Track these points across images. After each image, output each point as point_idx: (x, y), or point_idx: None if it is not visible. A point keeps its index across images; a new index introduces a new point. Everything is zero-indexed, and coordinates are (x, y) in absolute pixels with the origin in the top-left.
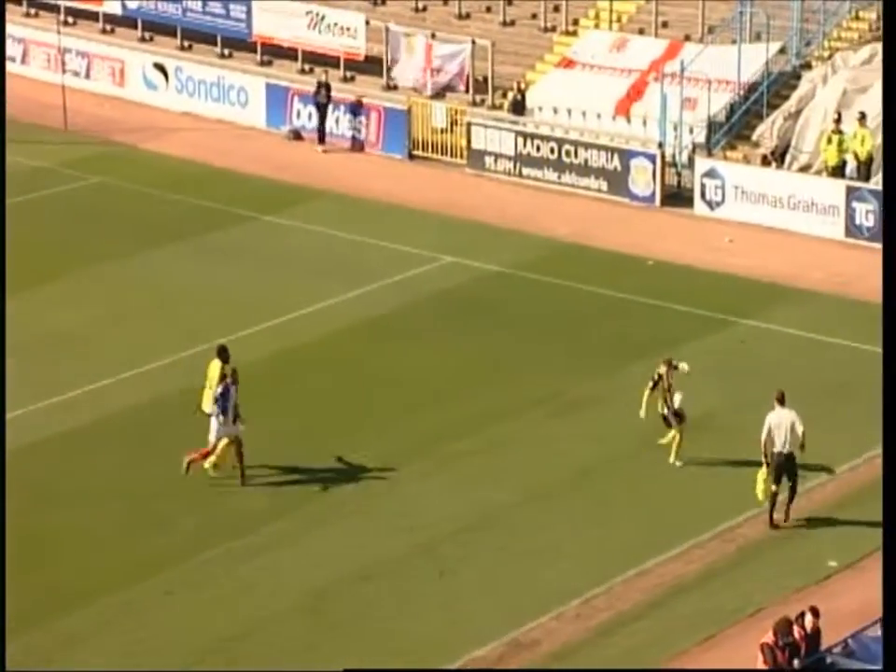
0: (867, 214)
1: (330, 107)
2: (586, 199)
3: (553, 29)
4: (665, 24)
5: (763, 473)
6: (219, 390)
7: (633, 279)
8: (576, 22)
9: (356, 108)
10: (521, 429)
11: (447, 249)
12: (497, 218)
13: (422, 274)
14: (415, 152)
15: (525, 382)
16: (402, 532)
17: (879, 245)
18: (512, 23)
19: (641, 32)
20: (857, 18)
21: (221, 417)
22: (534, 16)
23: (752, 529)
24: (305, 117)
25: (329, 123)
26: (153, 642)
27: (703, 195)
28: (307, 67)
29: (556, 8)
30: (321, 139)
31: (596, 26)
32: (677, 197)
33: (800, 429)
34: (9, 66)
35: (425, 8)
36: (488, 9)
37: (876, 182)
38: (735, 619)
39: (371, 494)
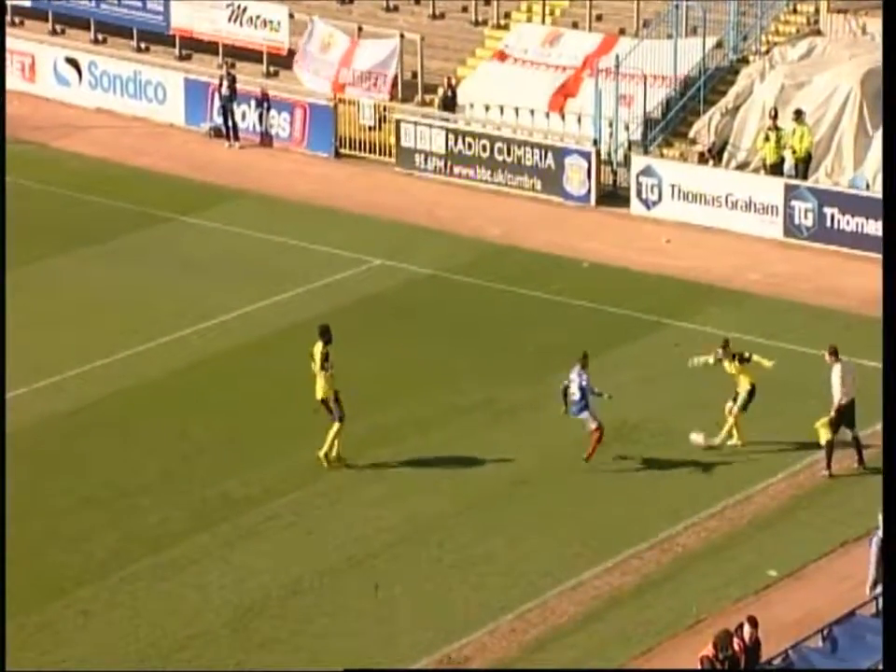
0: (806, 213)
1: (235, 102)
2: (519, 198)
3: (485, 23)
4: (599, 18)
5: (823, 422)
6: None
7: (567, 281)
8: (508, 16)
9: (262, 101)
10: (454, 437)
11: (375, 251)
12: (427, 219)
13: (349, 278)
14: (342, 150)
15: (457, 388)
16: (333, 545)
17: (818, 245)
18: (442, 16)
19: (575, 25)
20: (795, 11)
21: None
22: (464, 9)
23: (690, 539)
24: (230, 113)
25: (232, 118)
26: (72, 663)
27: (639, 194)
28: (228, 62)
29: (487, 1)
30: (229, 135)
31: (529, 20)
32: (612, 196)
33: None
34: None
35: (351, 0)
36: (417, 1)
37: (815, 180)
38: (673, 631)
39: (301, 505)
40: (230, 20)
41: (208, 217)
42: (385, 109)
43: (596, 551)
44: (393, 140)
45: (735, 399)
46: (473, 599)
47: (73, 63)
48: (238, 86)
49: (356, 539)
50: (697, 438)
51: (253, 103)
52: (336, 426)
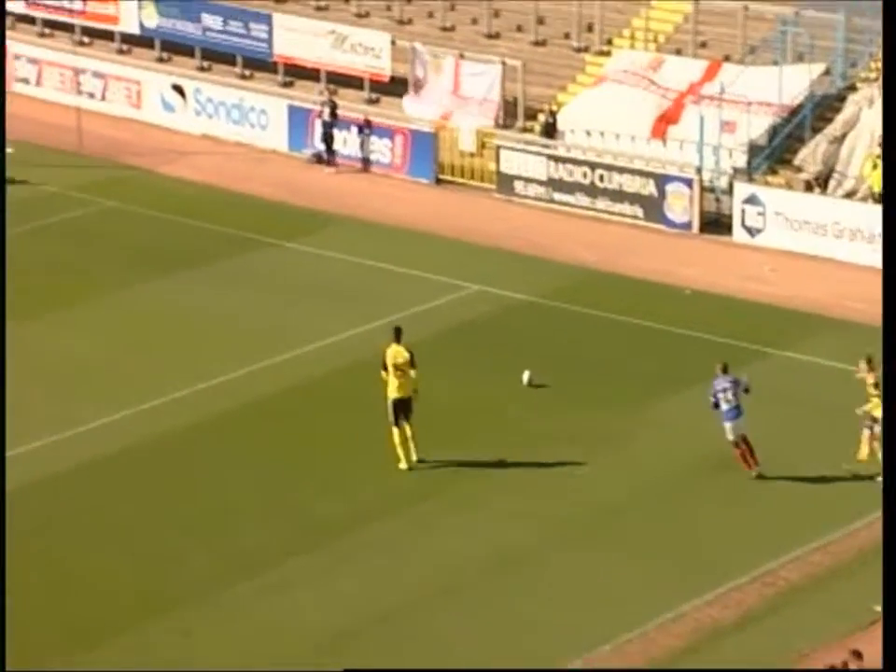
0: None
1: (336, 127)
2: (620, 225)
3: (587, 49)
4: (703, 44)
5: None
6: None
7: (668, 309)
8: (610, 42)
9: (363, 128)
10: (548, 465)
11: (473, 277)
12: (526, 245)
13: (447, 304)
14: (442, 176)
15: (552, 415)
16: (424, 573)
17: None
18: (544, 43)
19: (679, 52)
20: None
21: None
22: (566, 35)
23: (793, 573)
24: (331, 139)
25: (332, 143)
26: None
27: (742, 222)
28: (330, 88)
29: (590, 28)
30: (329, 161)
31: (632, 46)
32: (715, 224)
33: None
34: (23, 88)
35: (452, 27)
36: (518, 28)
37: None
38: (775, 666)
39: (394, 531)
40: (332, 46)
41: (308, 243)
42: (485, 136)
43: (696, 582)
44: (493, 166)
45: (871, 427)
46: (568, 629)
47: (178, 89)
48: (339, 112)
49: (447, 568)
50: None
51: (354, 129)
52: (409, 430)
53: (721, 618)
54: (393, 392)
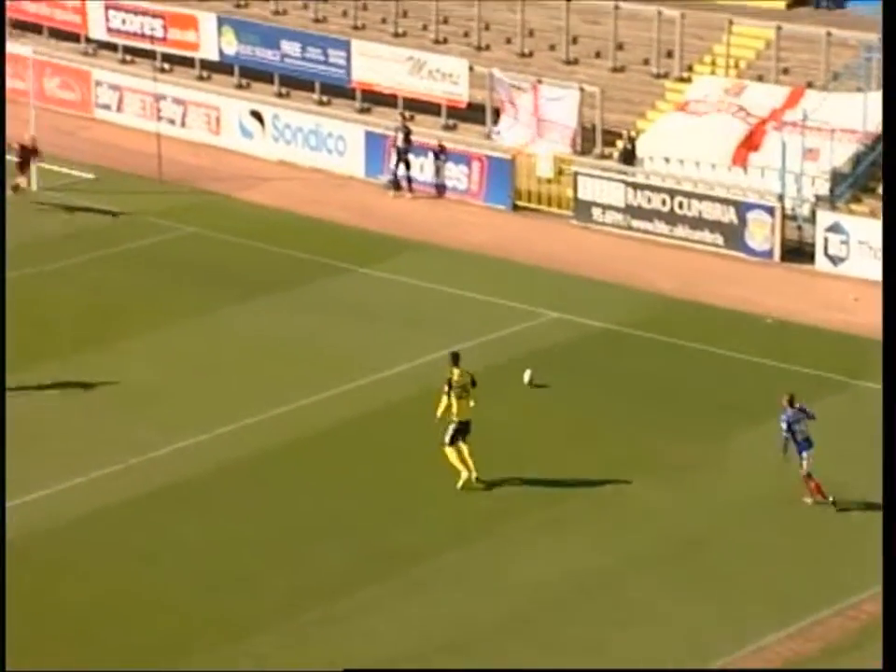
0: None
1: (411, 153)
2: (699, 253)
3: (666, 75)
4: (785, 71)
5: None
6: None
7: (748, 338)
8: (690, 68)
9: (439, 154)
10: (624, 493)
11: (550, 304)
12: (604, 273)
13: (524, 331)
14: (519, 203)
15: (629, 443)
16: (498, 601)
17: None
18: (622, 69)
19: (760, 79)
20: None
21: None
22: (646, 61)
23: (877, 606)
24: (405, 165)
25: (407, 169)
26: None
27: (825, 250)
28: (404, 114)
29: (669, 54)
30: (404, 186)
31: (712, 72)
32: (797, 252)
33: None
34: (105, 114)
35: (531, 54)
36: (597, 55)
37: None
38: None
39: (467, 559)
40: (410, 73)
41: (384, 268)
42: (563, 162)
43: (778, 616)
44: (571, 193)
45: None
46: (646, 662)
47: (257, 115)
48: (416, 138)
49: (520, 596)
50: None
51: (430, 155)
52: (466, 449)
53: (803, 651)
54: (457, 414)
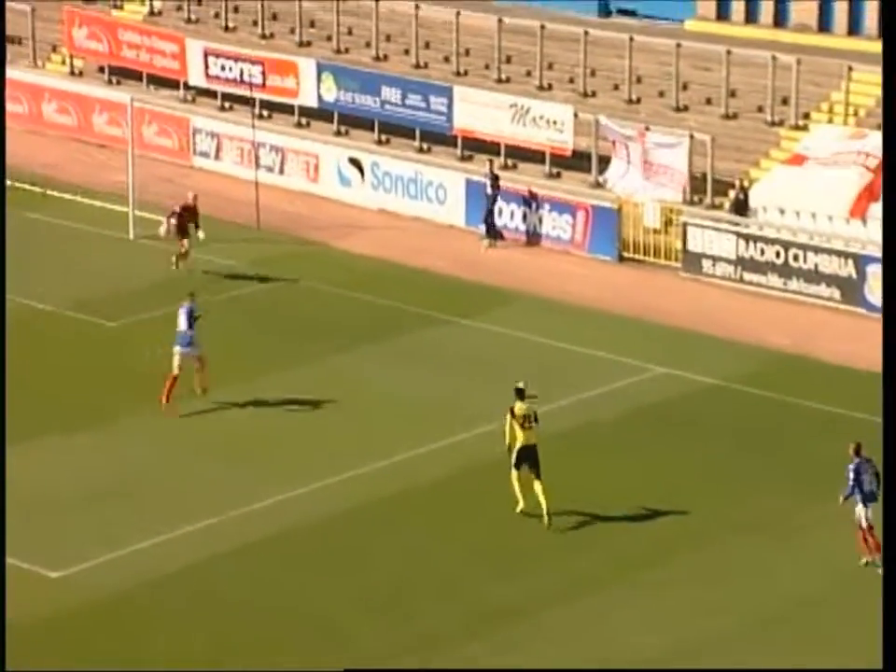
0: None
1: (500, 200)
2: (815, 307)
3: (781, 123)
4: None
5: None
6: None
7: (867, 396)
8: (807, 116)
9: (532, 202)
10: (734, 553)
11: (658, 359)
12: (714, 327)
13: (629, 386)
14: (625, 254)
15: (740, 503)
16: (607, 663)
17: None
18: (735, 116)
19: (881, 127)
20: None
21: None
22: (759, 109)
23: None
24: (507, 215)
25: (494, 217)
26: None
27: None
28: (510, 163)
29: (784, 101)
30: (494, 235)
31: (830, 120)
32: None
33: None
34: (203, 162)
35: (638, 100)
36: (708, 101)
37: None
38: None
39: (570, 619)
40: (513, 119)
41: (485, 320)
42: (671, 212)
43: None
44: (679, 244)
45: None
46: None
47: (356, 163)
48: (514, 185)
49: (623, 660)
50: None
51: (534, 204)
52: (539, 485)
53: None
54: (520, 441)
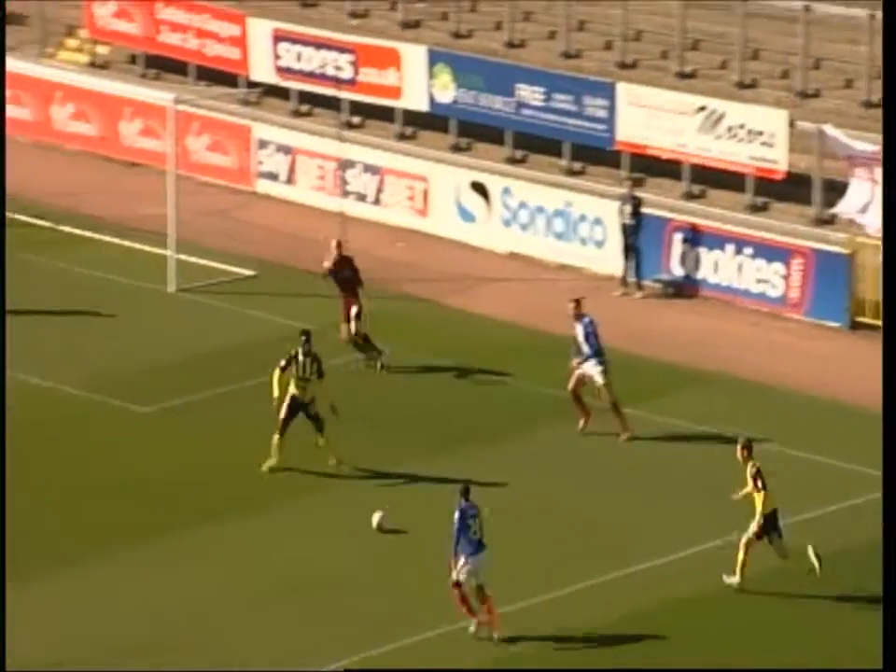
0: None
1: (640, 233)
2: None
3: None
4: None
5: None
6: None
7: None
8: None
9: (724, 243)
10: None
11: None
12: None
13: (874, 503)
14: (860, 318)
15: None
16: None
17: None
18: None
19: None
20: None
21: None
22: None
23: None
24: (692, 262)
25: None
26: None
27: None
28: (696, 189)
29: None
30: (628, 280)
31: None
32: None
33: None
34: (269, 187)
35: (878, 103)
36: None
37: None
38: None
39: None
40: (701, 129)
41: (660, 409)
42: None
43: None
44: None
45: None
46: None
47: (480, 189)
48: (708, 223)
49: None
50: None
51: (730, 247)
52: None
53: None
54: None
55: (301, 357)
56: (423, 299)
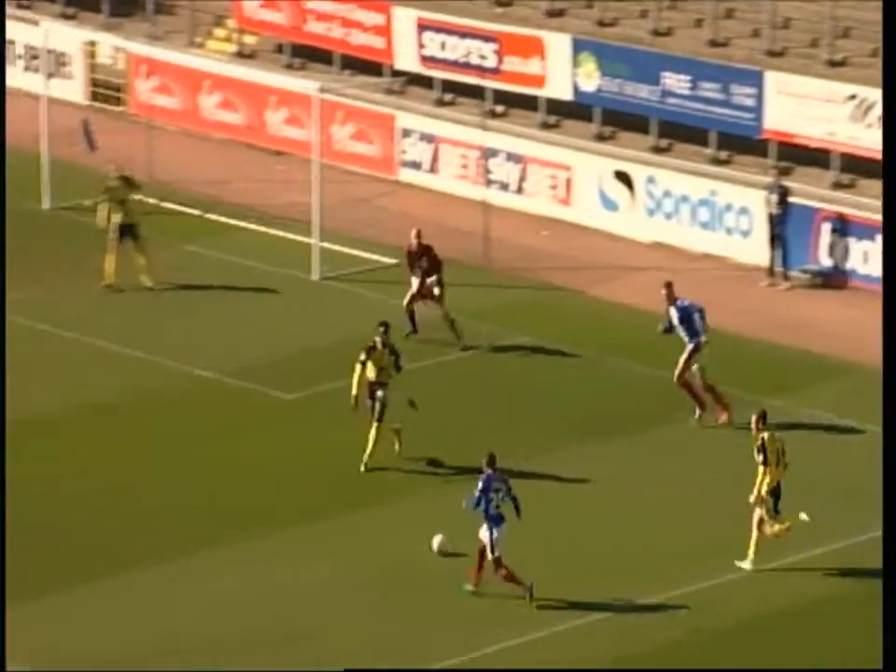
0: None
1: (787, 223)
2: None
3: None
4: None
5: None
6: None
7: None
8: None
9: (841, 226)
10: None
11: None
12: None
13: None
14: None
15: None
16: None
17: None
18: None
19: None
20: None
21: None
22: None
23: None
24: (841, 252)
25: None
26: None
27: None
28: (846, 179)
29: None
30: (778, 271)
31: None
32: None
33: None
34: (413, 175)
35: None
36: None
37: None
38: None
39: None
40: (852, 118)
41: (804, 401)
42: None
43: None
44: None
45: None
46: None
47: (624, 178)
48: (859, 213)
49: None
50: None
51: (881, 237)
52: None
53: None
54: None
55: (378, 348)
56: (566, 288)
